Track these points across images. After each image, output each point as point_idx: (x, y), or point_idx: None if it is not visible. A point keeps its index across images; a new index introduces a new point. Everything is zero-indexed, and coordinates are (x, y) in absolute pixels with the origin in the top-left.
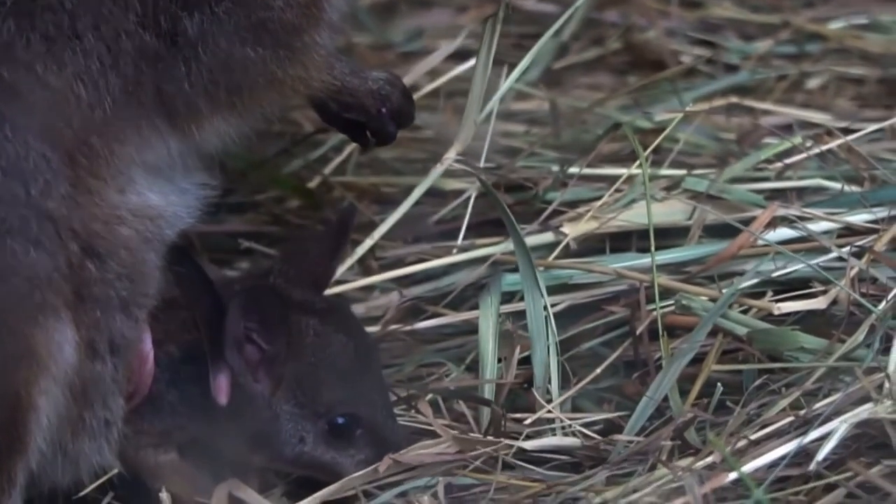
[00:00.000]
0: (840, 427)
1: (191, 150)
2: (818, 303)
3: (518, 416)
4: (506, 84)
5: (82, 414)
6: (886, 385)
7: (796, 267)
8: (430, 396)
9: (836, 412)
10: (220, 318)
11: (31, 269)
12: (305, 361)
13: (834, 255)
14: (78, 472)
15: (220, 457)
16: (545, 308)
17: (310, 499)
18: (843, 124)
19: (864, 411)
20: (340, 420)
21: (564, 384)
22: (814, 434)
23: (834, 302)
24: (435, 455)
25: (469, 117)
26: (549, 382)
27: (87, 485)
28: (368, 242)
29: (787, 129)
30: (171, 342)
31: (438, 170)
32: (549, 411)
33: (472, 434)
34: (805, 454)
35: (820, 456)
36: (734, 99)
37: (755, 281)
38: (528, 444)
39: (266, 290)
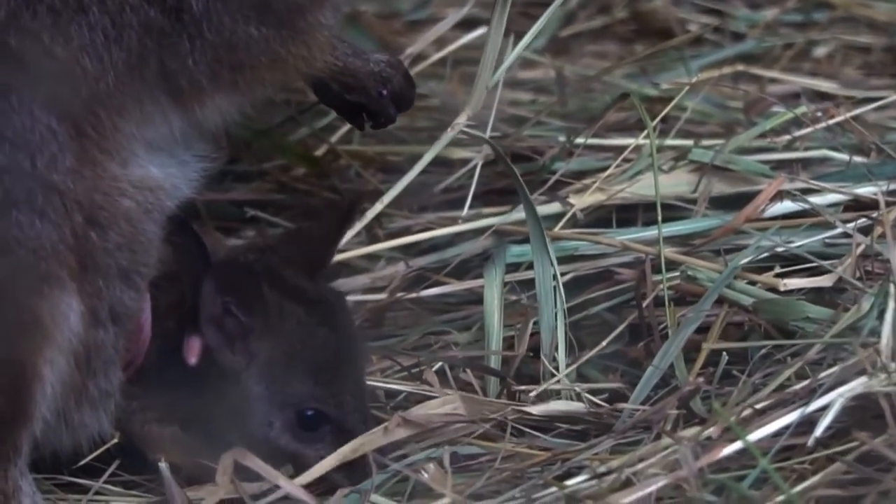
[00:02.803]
0: (837, 400)
1: (192, 126)
2: (824, 280)
3: (524, 388)
4: (515, 51)
5: (86, 383)
6: (879, 359)
7: (802, 242)
8: (437, 365)
9: (840, 382)
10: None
11: (37, 240)
12: (283, 348)
13: (839, 230)
14: (79, 440)
15: (213, 431)
16: (554, 277)
17: (318, 465)
18: (849, 93)
19: (859, 385)
20: (309, 413)
21: (570, 353)
22: (817, 404)
23: (839, 278)
24: (443, 415)
25: (480, 84)
26: (556, 351)
27: (85, 453)
28: (378, 207)
29: (794, 97)
30: (172, 317)
31: (449, 135)
32: (558, 381)
33: (479, 397)
34: (810, 424)
35: (818, 430)
36: (741, 67)
37: (764, 255)
38: (535, 409)
39: (241, 265)
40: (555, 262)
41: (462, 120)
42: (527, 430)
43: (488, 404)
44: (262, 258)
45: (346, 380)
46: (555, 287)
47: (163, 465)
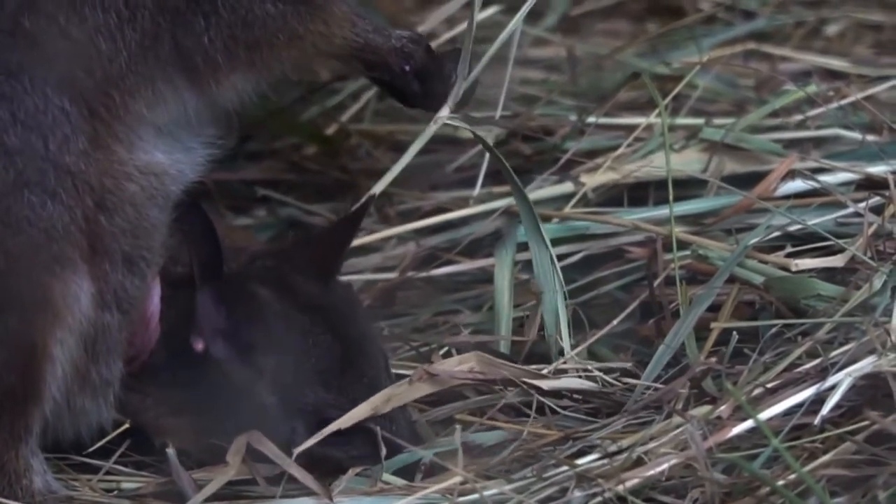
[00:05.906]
0: (845, 380)
1: (207, 106)
2: (836, 260)
3: (534, 367)
4: (505, 32)
5: (89, 368)
6: (889, 339)
7: (814, 221)
8: (446, 349)
9: (851, 361)
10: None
11: (48, 221)
12: (287, 359)
13: (851, 210)
14: (79, 427)
15: (234, 430)
16: (552, 262)
17: (349, 414)
18: (861, 71)
19: (869, 364)
20: (328, 419)
21: (581, 333)
22: (827, 384)
23: (852, 258)
24: (465, 373)
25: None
26: (560, 333)
27: (86, 441)
28: (376, 190)
29: (805, 75)
30: (184, 317)
31: (432, 128)
32: (565, 361)
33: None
34: (821, 403)
35: (825, 409)
36: (752, 45)
37: (776, 234)
38: (546, 384)
39: (238, 277)
40: (549, 245)
41: (444, 113)
42: (545, 402)
43: (504, 367)
44: (275, 267)
45: (360, 382)
46: (553, 271)
47: (170, 451)
